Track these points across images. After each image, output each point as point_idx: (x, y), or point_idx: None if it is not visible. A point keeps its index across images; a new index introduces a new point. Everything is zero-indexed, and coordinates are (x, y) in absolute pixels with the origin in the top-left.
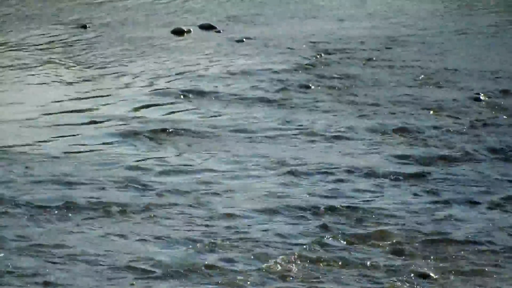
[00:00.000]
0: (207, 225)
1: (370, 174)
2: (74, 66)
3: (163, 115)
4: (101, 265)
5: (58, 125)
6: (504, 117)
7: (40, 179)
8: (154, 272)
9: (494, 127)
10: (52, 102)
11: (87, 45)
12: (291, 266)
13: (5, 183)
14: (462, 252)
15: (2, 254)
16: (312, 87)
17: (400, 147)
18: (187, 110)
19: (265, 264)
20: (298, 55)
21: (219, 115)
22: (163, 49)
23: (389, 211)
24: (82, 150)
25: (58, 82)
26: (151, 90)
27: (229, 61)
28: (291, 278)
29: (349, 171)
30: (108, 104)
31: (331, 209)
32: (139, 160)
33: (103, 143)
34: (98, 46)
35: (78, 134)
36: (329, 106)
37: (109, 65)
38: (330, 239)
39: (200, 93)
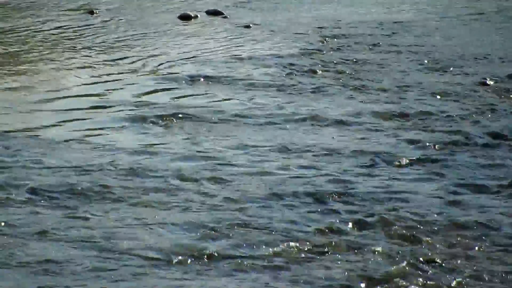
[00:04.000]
0: (213, 211)
1: (377, 159)
2: (82, 52)
3: (170, 100)
4: (106, 251)
5: (66, 110)
6: (511, 101)
7: (48, 164)
8: (159, 258)
9: (500, 111)
10: (60, 87)
11: (94, 30)
12: (298, 252)
13: (12, 168)
14: (469, 237)
15: (11, 240)
16: (319, 72)
17: (407, 132)
18: (194, 95)
19: (271, 250)
20: (304, 41)
21: (226, 100)
22: (170, 35)
23: (396, 196)
24: (89, 134)
25: (66, 67)
26: (159, 75)
27: (236, 47)
28: (297, 264)
29: (355, 156)
30: (115, 89)
31: (338, 194)
32: (147, 145)
33: (111, 128)
34: (106, 31)
35: (86, 119)
36: (336, 91)
37: (117, 51)
38: (337, 224)
39: (207, 78)
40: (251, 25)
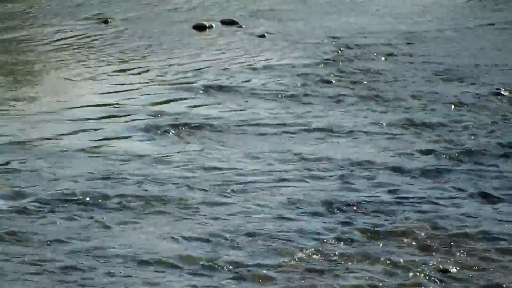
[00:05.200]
0: (227, 220)
1: (391, 169)
2: (96, 61)
3: (184, 109)
4: (121, 260)
5: (80, 119)
6: None
7: (62, 174)
8: (175, 267)
9: None
10: (74, 96)
11: (109, 40)
12: (313, 262)
13: (27, 177)
14: (483, 247)
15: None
16: (333, 82)
17: (421, 142)
18: (208, 104)
19: (287, 260)
20: (319, 50)
21: (241, 110)
22: (184, 44)
23: (410, 207)
24: (103, 144)
25: (80, 76)
26: (173, 85)
27: (251, 56)
28: (313, 273)
29: (370, 166)
30: (129, 98)
31: (352, 204)
32: (160, 155)
33: (125, 137)
34: (120, 41)
35: (100, 129)
36: (350, 101)
37: (131, 60)
38: (351, 234)
39: (222, 88)
40: (265, 34)
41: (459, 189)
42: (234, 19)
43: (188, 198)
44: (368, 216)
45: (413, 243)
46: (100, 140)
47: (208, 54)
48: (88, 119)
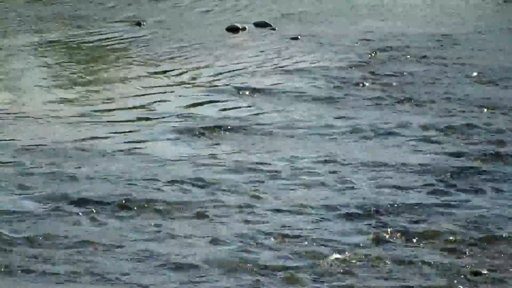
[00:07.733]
0: (260, 223)
1: (423, 171)
2: (129, 64)
3: (217, 112)
4: (154, 262)
5: (114, 121)
6: None
7: (95, 176)
8: (207, 270)
9: None
10: (106, 99)
11: (142, 42)
12: (345, 264)
13: (60, 180)
14: None
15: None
16: (366, 84)
17: (453, 144)
18: (241, 107)
19: (319, 262)
20: (352, 53)
21: (273, 112)
22: (218, 47)
23: (442, 209)
24: (136, 147)
25: (113, 79)
26: (206, 87)
27: (284, 59)
28: (344, 276)
29: (402, 169)
30: (163, 101)
31: (384, 207)
32: (194, 157)
33: (158, 140)
34: (153, 43)
35: (133, 131)
36: (383, 104)
37: (164, 63)
38: (383, 237)
39: (255, 90)
40: (299, 37)
41: (492, 192)
42: (267, 21)
43: (222, 200)
44: (401, 218)
45: (446, 245)
46: (134, 142)
47: (241, 56)
48: (122, 121)
